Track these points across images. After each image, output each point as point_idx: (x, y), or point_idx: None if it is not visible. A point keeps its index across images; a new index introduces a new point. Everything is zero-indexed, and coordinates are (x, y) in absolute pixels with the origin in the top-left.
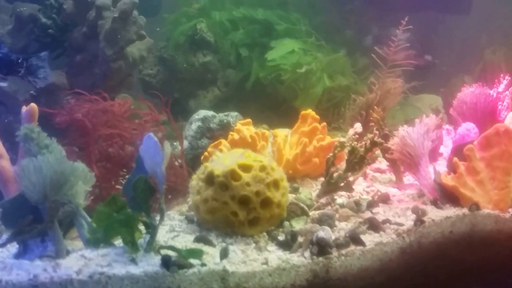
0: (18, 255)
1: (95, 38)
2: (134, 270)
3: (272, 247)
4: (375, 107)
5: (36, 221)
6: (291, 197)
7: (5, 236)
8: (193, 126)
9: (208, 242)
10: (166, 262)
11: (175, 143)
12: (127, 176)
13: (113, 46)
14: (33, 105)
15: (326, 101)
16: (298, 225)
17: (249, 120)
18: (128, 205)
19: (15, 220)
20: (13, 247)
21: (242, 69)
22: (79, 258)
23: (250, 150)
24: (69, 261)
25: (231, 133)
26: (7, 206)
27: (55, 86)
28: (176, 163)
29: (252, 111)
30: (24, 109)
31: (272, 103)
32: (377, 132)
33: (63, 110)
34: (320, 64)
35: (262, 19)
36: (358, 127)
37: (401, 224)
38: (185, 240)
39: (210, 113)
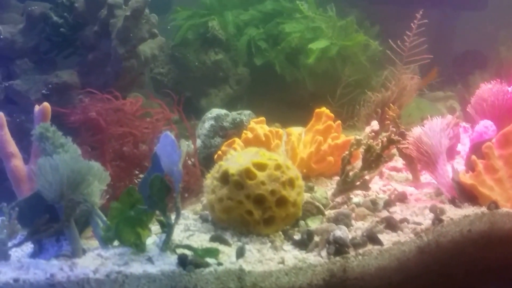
0: (34, 255)
1: (107, 37)
2: (151, 269)
3: (288, 246)
4: (391, 104)
5: (51, 220)
6: (306, 196)
7: (20, 235)
8: (206, 124)
9: (224, 241)
10: (183, 261)
11: (187, 142)
12: (141, 175)
13: (125, 44)
14: (46, 104)
15: (340, 98)
16: (314, 224)
17: (262, 118)
18: (144, 203)
19: (30, 219)
20: (28, 247)
21: (260, 58)
22: (96, 257)
23: (264, 149)
24: (85, 260)
25: (244, 131)
26: (22, 205)
27: (67, 85)
28: (189, 162)
29: (265, 109)
30: (36, 108)
31: (285, 101)
32: (393, 129)
33: (77, 109)
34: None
35: (271, 9)
36: (374, 124)
37: (419, 223)
38: (201, 239)
39: (223, 111)
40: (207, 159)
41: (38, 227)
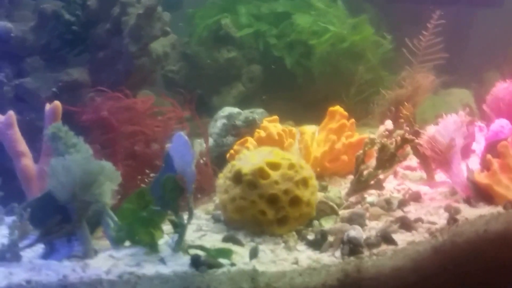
0: (45, 256)
1: (119, 35)
2: (163, 270)
3: (301, 246)
4: (405, 102)
5: (63, 221)
6: (320, 195)
7: (32, 236)
8: (218, 123)
9: (237, 242)
10: (196, 262)
11: (199, 141)
12: (152, 175)
13: (138, 42)
14: (56, 103)
15: (353, 96)
16: (327, 224)
17: (275, 117)
18: (156, 203)
19: (42, 219)
20: (39, 247)
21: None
22: (108, 258)
23: (278, 148)
24: (97, 261)
25: (257, 130)
26: (34, 206)
27: (77, 83)
28: (201, 161)
29: (277, 107)
30: (47, 107)
31: (298, 99)
32: (407, 128)
33: (88, 108)
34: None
35: (283, 11)
36: (389, 124)
37: (433, 223)
38: (213, 240)
39: (235, 110)
40: (219, 158)
41: (50, 227)
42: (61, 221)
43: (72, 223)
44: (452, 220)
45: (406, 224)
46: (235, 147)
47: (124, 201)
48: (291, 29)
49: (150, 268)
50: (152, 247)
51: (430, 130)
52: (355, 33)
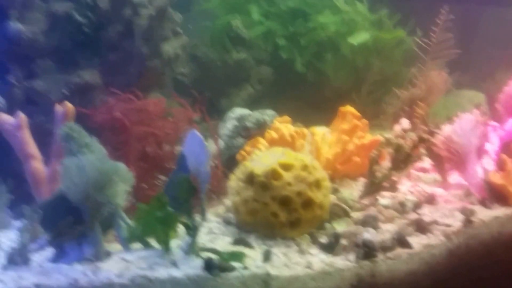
0: (55, 259)
1: (130, 36)
2: (176, 273)
3: (314, 250)
4: (419, 102)
5: (75, 223)
6: (332, 197)
7: (42, 239)
8: (228, 125)
9: (248, 245)
10: (208, 265)
11: (208, 142)
12: (161, 176)
13: (149, 44)
14: (68, 105)
15: (365, 96)
16: (340, 227)
17: (287, 118)
18: (169, 204)
19: (52, 222)
20: (49, 251)
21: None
22: (119, 261)
23: (290, 149)
24: (109, 264)
25: (268, 131)
26: (45, 208)
27: (88, 85)
28: (212, 163)
29: (286, 109)
30: (58, 108)
31: (307, 100)
32: (423, 128)
33: (101, 109)
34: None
35: (292, 7)
36: (405, 123)
37: (449, 225)
38: (225, 242)
39: (245, 111)
40: (229, 160)
41: (61, 230)
42: (73, 223)
43: (84, 224)
44: (467, 222)
45: (421, 227)
46: (247, 148)
47: (140, 204)
48: (307, 28)
49: (162, 271)
50: (166, 244)
51: (446, 130)
52: (386, 32)
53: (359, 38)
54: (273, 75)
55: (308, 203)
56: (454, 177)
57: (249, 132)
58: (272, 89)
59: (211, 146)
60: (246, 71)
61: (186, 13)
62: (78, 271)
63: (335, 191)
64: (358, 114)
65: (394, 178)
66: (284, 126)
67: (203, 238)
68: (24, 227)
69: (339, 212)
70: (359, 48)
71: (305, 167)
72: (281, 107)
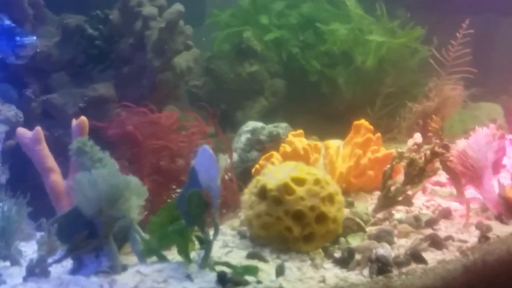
0: (74, 271)
1: (142, 49)
2: (190, 286)
3: (328, 264)
4: (433, 116)
5: (90, 236)
6: (346, 211)
7: (60, 252)
8: (242, 138)
9: (262, 259)
10: (222, 279)
11: (223, 156)
12: (177, 190)
13: (161, 57)
14: (83, 118)
15: (379, 109)
16: (354, 241)
17: (301, 131)
18: (182, 218)
19: (69, 235)
20: (68, 263)
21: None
22: (135, 274)
23: (303, 163)
24: (125, 277)
25: (283, 145)
26: (61, 221)
27: (103, 98)
28: (226, 177)
29: (301, 121)
30: (74, 122)
31: (322, 113)
32: (437, 142)
33: (114, 123)
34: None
35: (306, 13)
36: (417, 137)
37: (464, 241)
38: (239, 256)
39: (259, 124)
40: (244, 173)
41: (77, 243)
42: (88, 237)
43: (99, 238)
44: (484, 238)
45: (436, 242)
46: (260, 162)
47: (153, 216)
48: (319, 38)
49: (176, 285)
50: (186, 256)
51: (461, 144)
52: (399, 35)
53: (376, 36)
54: (287, 87)
55: (322, 218)
56: (470, 192)
57: (263, 145)
58: (286, 101)
59: (225, 160)
60: (259, 83)
61: (198, 26)
62: (95, 283)
63: (349, 204)
64: (371, 127)
65: (409, 192)
66: (297, 139)
67: (217, 252)
68: (41, 239)
69: (353, 226)
70: (372, 58)
71: (317, 182)
72: (295, 120)
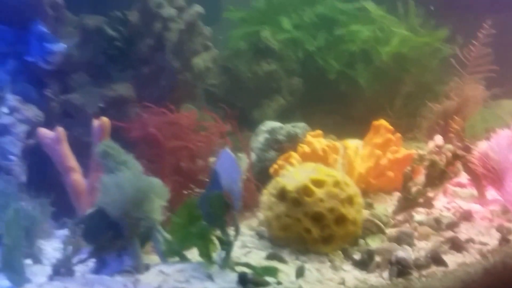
0: (97, 270)
1: (162, 50)
2: (211, 286)
3: (347, 266)
4: (455, 116)
5: (115, 237)
6: (365, 213)
7: (83, 251)
8: (260, 138)
9: (282, 260)
10: (243, 279)
11: (240, 155)
12: (196, 190)
13: (180, 57)
14: (105, 119)
15: (399, 109)
16: (374, 243)
17: (319, 131)
18: (203, 219)
19: (93, 235)
20: (90, 262)
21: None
22: (158, 274)
23: (322, 164)
24: (148, 277)
25: (301, 145)
26: (86, 222)
27: (123, 98)
28: (244, 177)
29: (318, 120)
30: (95, 123)
31: (339, 112)
32: (458, 144)
33: (136, 124)
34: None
35: (322, 14)
36: (438, 139)
37: (485, 244)
38: (258, 257)
39: (277, 124)
40: (261, 172)
41: (103, 243)
42: (113, 237)
43: (123, 239)
44: (504, 240)
45: (457, 245)
46: (279, 162)
47: (174, 215)
48: (339, 37)
49: (198, 285)
50: (208, 258)
51: (482, 146)
52: (422, 34)
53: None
54: (304, 86)
55: (341, 219)
56: (492, 193)
57: (280, 145)
58: (303, 100)
59: (243, 160)
60: (276, 82)
61: (215, 24)
62: (119, 282)
63: (369, 206)
64: (391, 128)
65: (430, 194)
66: (316, 140)
67: (237, 252)
68: (66, 239)
69: (373, 228)
70: (393, 55)
71: (337, 184)
72: (312, 118)
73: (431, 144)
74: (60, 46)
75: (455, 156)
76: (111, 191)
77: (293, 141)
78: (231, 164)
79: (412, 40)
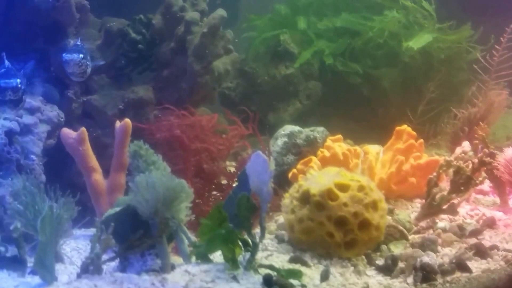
0: (122, 269)
1: (183, 53)
2: (237, 287)
3: (371, 271)
4: (480, 122)
5: (143, 236)
6: (388, 219)
7: (110, 251)
8: (278, 141)
9: (305, 263)
10: (268, 281)
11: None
12: (214, 193)
13: (201, 61)
14: (127, 121)
15: (422, 114)
16: (397, 249)
17: (339, 136)
18: (230, 221)
19: (120, 234)
20: (114, 261)
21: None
22: (184, 273)
23: (344, 169)
24: (174, 276)
25: (321, 149)
26: (115, 220)
27: (143, 100)
28: None
29: (335, 125)
30: (117, 124)
31: (356, 117)
32: (485, 150)
33: (160, 126)
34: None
35: (343, 26)
36: (466, 145)
37: (509, 251)
38: (281, 260)
39: (296, 128)
40: (279, 177)
41: (132, 242)
42: (142, 236)
43: (153, 238)
44: None
45: (481, 251)
46: (298, 166)
47: (202, 218)
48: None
49: (224, 285)
50: (233, 263)
51: (508, 152)
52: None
53: (420, 41)
54: (322, 90)
55: (365, 224)
56: None
57: (299, 149)
58: (321, 104)
59: (272, 166)
60: (294, 86)
61: (232, 26)
62: (147, 281)
63: (390, 212)
64: (414, 133)
65: (455, 201)
66: (337, 144)
67: (258, 255)
68: (94, 237)
69: (396, 234)
70: (420, 52)
71: (361, 188)
72: (329, 123)
73: (458, 150)
74: (71, 56)
75: (482, 163)
76: (144, 190)
77: (312, 145)
78: (263, 166)
79: (440, 39)
